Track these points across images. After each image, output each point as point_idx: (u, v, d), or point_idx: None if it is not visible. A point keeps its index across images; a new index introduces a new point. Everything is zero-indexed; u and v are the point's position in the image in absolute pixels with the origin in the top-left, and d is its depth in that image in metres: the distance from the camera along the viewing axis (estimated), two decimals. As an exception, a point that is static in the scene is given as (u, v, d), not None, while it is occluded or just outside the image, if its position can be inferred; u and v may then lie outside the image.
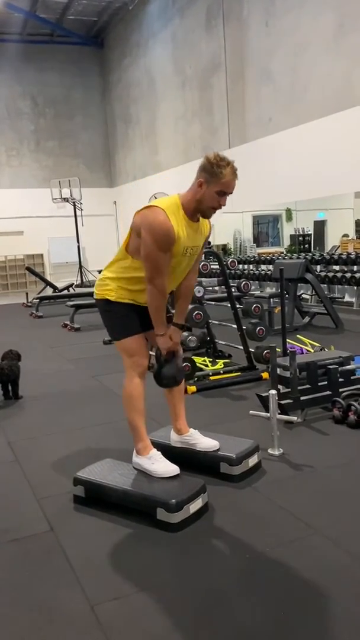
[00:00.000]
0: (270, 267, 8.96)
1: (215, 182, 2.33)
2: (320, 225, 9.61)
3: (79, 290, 11.57)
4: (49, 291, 12.13)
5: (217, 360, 4.94)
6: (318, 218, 9.56)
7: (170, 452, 2.70)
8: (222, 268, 4.84)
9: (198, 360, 4.74)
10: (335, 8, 7.62)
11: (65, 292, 11.48)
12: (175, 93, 11.93)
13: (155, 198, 13.27)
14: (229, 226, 11.09)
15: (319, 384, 3.69)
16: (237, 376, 4.54)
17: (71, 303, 8.30)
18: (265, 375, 4.42)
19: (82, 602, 1.87)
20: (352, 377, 3.82)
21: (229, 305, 4.79)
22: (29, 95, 14.58)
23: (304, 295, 8.37)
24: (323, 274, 8.14)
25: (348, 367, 3.86)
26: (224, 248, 11.18)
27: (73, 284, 12.23)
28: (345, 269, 7.97)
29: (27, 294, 12.51)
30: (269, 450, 3.00)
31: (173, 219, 2.35)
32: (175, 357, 2.62)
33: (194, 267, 2.69)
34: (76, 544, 2.24)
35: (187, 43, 11.23)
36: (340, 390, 3.66)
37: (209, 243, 8.15)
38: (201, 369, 4.63)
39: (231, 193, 2.40)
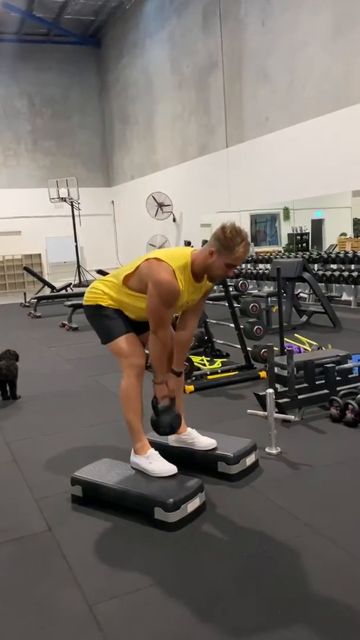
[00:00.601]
0: (268, 266, 8.97)
1: (226, 255, 2.37)
2: (317, 224, 9.60)
3: (77, 290, 11.57)
4: (46, 291, 12.13)
5: (214, 360, 4.94)
6: (316, 217, 9.55)
7: (167, 452, 2.70)
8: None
9: (196, 359, 4.74)
10: (331, 7, 7.63)
11: (63, 291, 11.47)
12: (172, 92, 11.93)
13: (154, 198, 13.21)
14: (226, 225, 11.08)
15: (317, 382, 3.70)
16: (234, 375, 4.54)
17: (69, 303, 8.29)
18: (263, 374, 4.42)
19: (80, 602, 1.87)
20: (349, 376, 3.83)
21: (227, 304, 4.80)
22: (26, 94, 14.57)
23: (301, 294, 8.37)
24: (321, 272, 8.15)
25: (345, 365, 3.86)
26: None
27: (71, 283, 12.23)
28: (343, 268, 7.98)
29: (25, 293, 12.49)
30: (267, 449, 3.01)
31: (180, 278, 2.38)
32: (172, 404, 2.62)
33: (194, 316, 2.71)
34: (74, 543, 2.25)
35: (184, 42, 11.23)
36: (338, 388, 3.67)
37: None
38: (199, 368, 4.64)
39: (239, 265, 2.48)
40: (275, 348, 3.82)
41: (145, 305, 2.47)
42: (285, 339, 4.57)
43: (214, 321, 5.29)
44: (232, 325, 4.75)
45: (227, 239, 2.35)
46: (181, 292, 2.40)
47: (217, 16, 10.09)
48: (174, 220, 12.33)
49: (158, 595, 1.88)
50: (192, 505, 2.35)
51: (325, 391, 3.65)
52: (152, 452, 2.58)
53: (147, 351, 2.75)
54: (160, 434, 2.69)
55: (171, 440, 2.85)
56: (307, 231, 9.59)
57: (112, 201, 15.57)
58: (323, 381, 3.71)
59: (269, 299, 6.89)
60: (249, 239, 2.46)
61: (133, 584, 1.95)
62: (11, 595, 1.94)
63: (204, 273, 2.46)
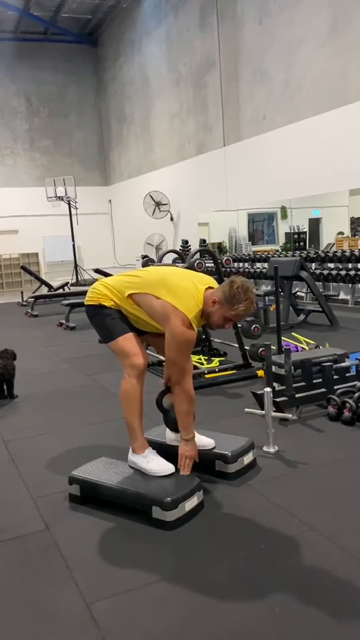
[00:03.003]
0: (266, 265, 8.97)
1: (226, 309, 2.41)
2: (315, 223, 9.60)
3: (74, 289, 11.57)
4: (44, 290, 12.11)
5: (212, 359, 4.95)
6: (313, 216, 9.55)
7: (165, 451, 2.70)
8: (217, 266, 4.85)
9: (193, 358, 4.74)
10: (328, 6, 7.63)
11: (61, 291, 11.46)
12: (169, 91, 11.92)
13: (151, 197, 13.19)
14: (224, 224, 11.09)
15: (314, 381, 3.70)
16: (232, 374, 4.54)
17: (66, 302, 8.29)
18: (260, 373, 4.43)
19: (78, 600, 1.87)
20: (346, 375, 3.83)
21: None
22: (23, 93, 14.54)
23: (299, 293, 8.38)
24: (318, 271, 8.15)
25: (343, 364, 3.87)
26: (219, 246, 11.19)
27: (68, 282, 12.22)
28: (340, 267, 7.99)
29: (22, 292, 12.48)
30: (264, 448, 3.01)
31: (194, 323, 2.41)
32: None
33: None
34: (72, 542, 2.25)
35: (181, 41, 11.22)
36: (335, 387, 3.67)
37: (204, 241, 8.16)
38: (196, 367, 4.64)
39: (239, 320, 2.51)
40: (272, 347, 3.82)
41: (147, 318, 2.52)
42: (282, 337, 4.58)
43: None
44: (230, 324, 4.75)
45: (231, 294, 2.37)
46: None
47: (214, 14, 10.08)
48: (172, 219, 12.33)
49: (155, 594, 1.89)
50: (190, 504, 2.35)
51: (323, 390, 3.65)
52: (150, 451, 2.58)
53: (149, 352, 2.76)
54: (173, 430, 2.74)
55: (169, 439, 2.85)
56: (304, 230, 9.59)
57: (110, 200, 15.55)
58: (320, 380, 3.71)
59: (267, 297, 6.90)
60: (255, 300, 2.46)
61: (131, 583, 1.95)
62: (9, 594, 1.94)
63: (205, 317, 2.50)
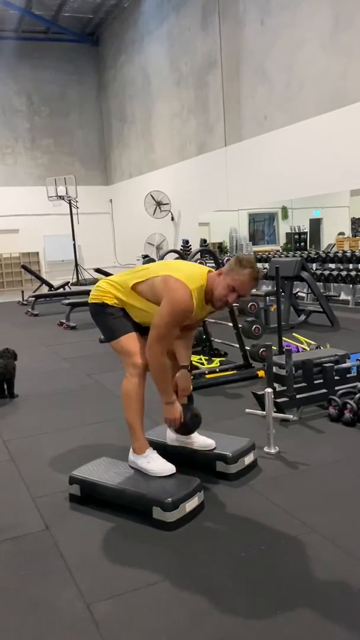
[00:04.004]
0: (266, 265, 8.96)
1: (231, 276, 2.42)
2: (316, 223, 9.60)
3: (74, 288, 11.56)
4: (44, 289, 12.11)
5: (213, 359, 4.94)
6: (314, 216, 9.55)
7: (166, 451, 2.70)
8: (218, 266, 4.83)
9: (194, 358, 4.74)
10: (330, 6, 7.62)
11: (61, 290, 11.45)
12: (170, 91, 11.91)
13: (152, 197, 13.20)
14: (225, 224, 11.08)
15: (315, 382, 3.70)
16: (233, 374, 4.54)
17: (67, 301, 8.28)
18: (261, 373, 4.42)
19: (77, 601, 1.87)
20: (347, 375, 3.83)
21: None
22: (24, 92, 14.53)
23: (299, 294, 8.37)
24: (319, 272, 8.15)
25: (344, 365, 3.86)
26: (220, 246, 11.19)
27: (69, 282, 12.22)
28: (341, 267, 7.99)
29: (22, 292, 12.48)
30: (265, 449, 3.00)
31: (195, 300, 2.39)
32: (190, 402, 2.64)
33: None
34: (72, 542, 2.24)
35: (183, 41, 11.21)
36: (336, 388, 3.67)
37: (205, 241, 8.16)
38: (197, 368, 4.63)
39: (244, 295, 2.48)
40: (273, 347, 3.82)
41: (152, 308, 2.49)
42: (283, 338, 4.58)
43: (212, 320, 5.29)
44: (231, 324, 4.75)
45: (237, 263, 2.42)
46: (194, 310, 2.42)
47: (215, 14, 10.07)
48: (172, 218, 12.32)
49: (156, 595, 1.88)
50: (191, 504, 2.35)
51: (324, 390, 3.65)
52: (151, 452, 2.57)
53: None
54: (182, 434, 2.72)
55: (170, 439, 2.85)
56: (305, 230, 9.59)
57: (110, 199, 15.55)
58: (321, 380, 3.71)
59: (268, 298, 6.90)
60: (260, 276, 2.48)
61: (131, 583, 1.95)
62: (8, 595, 1.94)
63: (210, 296, 2.47)
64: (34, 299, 10.30)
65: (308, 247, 9.36)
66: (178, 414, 2.57)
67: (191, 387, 2.71)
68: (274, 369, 3.69)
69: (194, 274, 2.45)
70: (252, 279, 2.42)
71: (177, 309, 2.36)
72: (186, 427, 2.66)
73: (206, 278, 2.46)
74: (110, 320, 2.58)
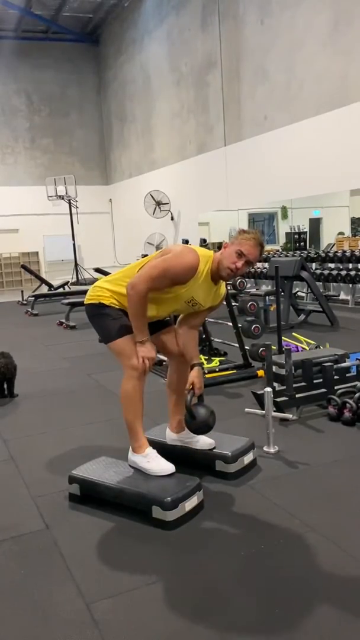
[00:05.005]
0: (266, 264, 8.96)
1: (237, 244, 2.49)
2: (315, 223, 9.61)
3: (74, 288, 11.57)
4: (44, 289, 12.11)
5: (212, 358, 4.94)
6: (313, 216, 9.56)
7: (165, 450, 2.70)
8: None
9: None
10: (330, 6, 7.63)
11: (61, 290, 11.46)
12: (170, 90, 11.91)
13: (152, 196, 13.21)
14: (224, 224, 11.09)
15: (314, 381, 3.70)
16: (232, 374, 4.54)
17: (66, 301, 8.28)
18: (260, 372, 4.42)
19: (77, 600, 1.87)
20: (347, 375, 3.83)
21: (224, 303, 4.79)
22: (24, 92, 14.54)
23: (299, 293, 8.37)
24: (318, 271, 8.15)
25: (343, 364, 3.87)
26: (220, 246, 11.21)
27: (68, 281, 12.22)
28: (341, 267, 7.99)
29: (22, 291, 12.47)
30: (265, 448, 3.01)
31: (202, 268, 2.44)
32: (201, 401, 2.64)
33: (201, 315, 2.73)
34: (71, 542, 2.24)
35: (183, 40, 11.21)
36: (336, 387, 3.67)
37: (205, 241, 8.15)
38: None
39: (251, 262, 2.50)
40: (273, 347, 3.82)
41: (162, 300, 2.50)
42: (283, 337, 4.58)
43: (212, 320, 5.29)
44: (230, 323, 4.75)
45: (241, 232, 2.52)
46: (193, 280, 2.42)
47: (215, 14, 10.07)
48: (172, 218, 12.33)
49: (156, 594, 1.88)
50: (190, 503, 2.35)
51: (323, 390, 3.65)
52: (150, 451, 2.57)
53: (159, 356, 2.74)
54: (196, 433, 2.70)
55: (169, 439, 2.85)
56: (304, 230, 9.60)
57: (110, 199, 15.56)
58: (321, 380, 3.71)
59: (267, 297, 6.90)
60: (265, 244, 2.55)
61: (131, 583, 1.95)
62: (8, 594, 1.94)
63: (218, 270, 2.50)
64: (33, 298, 10.29)
65: (308, 247, 9.36)
66: (154, 353, 2.52)
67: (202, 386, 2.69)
68: (274, 368, 3.69)
69: (200, 249, 2.53)
70: (258, 243, 2.49)
71: (179, 261, 2.40)
72: (206, 426, 2.64)
73: (213, 254, 2.54)
74: (107, 321, 2.56)
